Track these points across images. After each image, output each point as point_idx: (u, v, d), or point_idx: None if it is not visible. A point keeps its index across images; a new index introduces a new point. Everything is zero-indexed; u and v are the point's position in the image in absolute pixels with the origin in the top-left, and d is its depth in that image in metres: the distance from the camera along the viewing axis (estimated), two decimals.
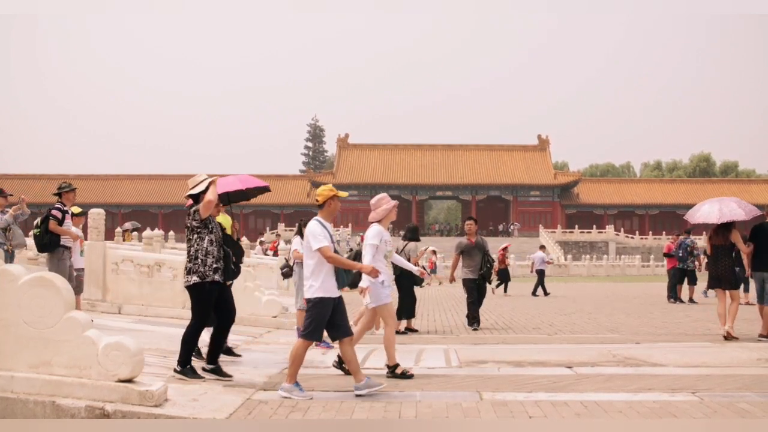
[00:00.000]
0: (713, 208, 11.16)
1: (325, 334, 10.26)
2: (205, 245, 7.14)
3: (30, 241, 14.91)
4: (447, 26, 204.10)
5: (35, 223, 10.44)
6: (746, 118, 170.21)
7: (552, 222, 78.20)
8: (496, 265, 27.50)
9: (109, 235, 16.82)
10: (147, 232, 17.07)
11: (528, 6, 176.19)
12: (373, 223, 7.81)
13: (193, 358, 7.38)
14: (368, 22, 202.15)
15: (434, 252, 36.84)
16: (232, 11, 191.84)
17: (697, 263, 19.88)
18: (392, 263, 10.46)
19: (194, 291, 7.14)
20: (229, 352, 8.80)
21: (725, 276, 11.09)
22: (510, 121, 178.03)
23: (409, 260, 12.87)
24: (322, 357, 9.22)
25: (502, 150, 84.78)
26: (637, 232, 77.03)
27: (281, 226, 71.70)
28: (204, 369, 7.31)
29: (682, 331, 12.50)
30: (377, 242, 7.59)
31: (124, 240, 20.96)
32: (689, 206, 74.51)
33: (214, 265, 7.14)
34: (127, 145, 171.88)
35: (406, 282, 12.59)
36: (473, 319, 13.05)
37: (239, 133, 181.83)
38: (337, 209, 7.01)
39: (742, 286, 18.49)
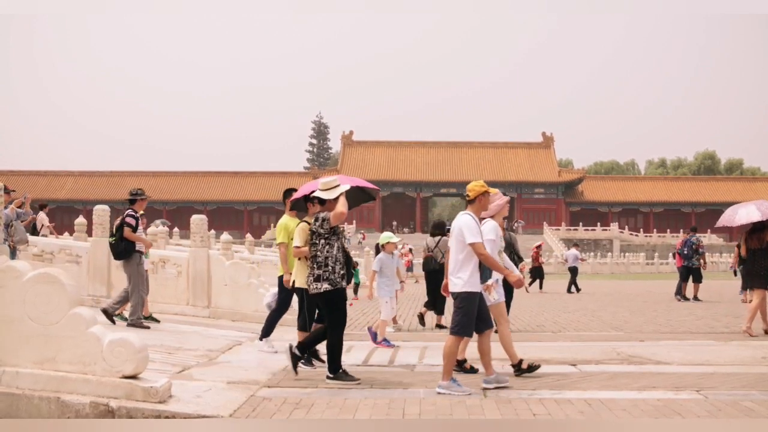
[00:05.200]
0: (751, 209, 11.39)
1: (388, 333, 10.27)
2: (334, 252, 7.17)
3: (32, 238, 14.97)
4: (451, 24, 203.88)
5: (111, 230, 10.83)
6: (751, 115, 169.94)
7: (556, 219, 78.12)
8: (528, 262, 27.38)
9: None
10: (152, 229, 17.04)
11: (532, 4, 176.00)
12: (485, 218, 7.83)
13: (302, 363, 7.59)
14: (372, 21, 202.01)
15: (410, 250, 36.88)
16: (237, 10, 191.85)
17: (702, 261, 19.81)
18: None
19: (327, 298, 7.15)
20: (316, 355, 8.30)
21: (761, 275, 11.27)
22: (514, 118, 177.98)
23: (442, 255, 12.87)
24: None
25: (506, 147, 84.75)
26: (641, 229, 76.94)
27: None
28: (294, 351, 7.31)
29: (686, 329, 12.48)
30: (494, 237, 7.61)
31: None
32: (694, 204, 74.10)
33: (342, 272, 7.20)
34: (133, 144, 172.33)
35: (437, 277, 12.71)
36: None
37: (244, 130, 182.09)
38: (488, 204, 7.17)
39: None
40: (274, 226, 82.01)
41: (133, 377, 5.59)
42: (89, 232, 15.84)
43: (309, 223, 7.64)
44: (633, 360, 8.63)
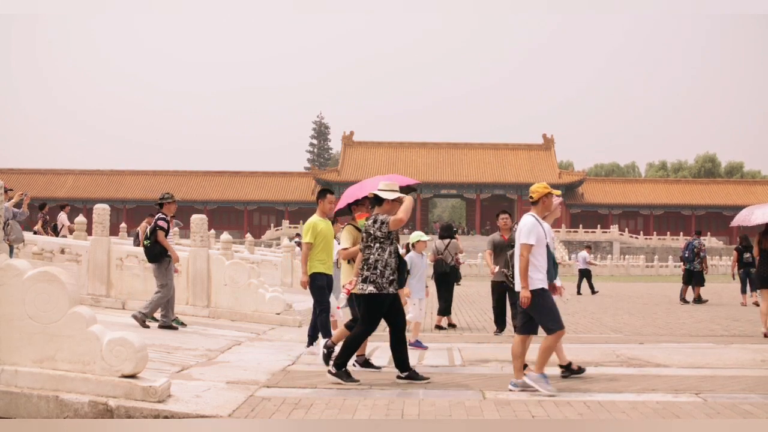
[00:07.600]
0: (765, 210, 11.48)
1: (420, 335, 10.16)
2: (386, 256, 7.11)
3: (31, 237, 14.98)
4: (452, 24, 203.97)
5: (146, 233, 11.10)
6: (752, 118, 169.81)
7: (556, 221, 78.00)
8: None
9: (114, 231, 16.84)
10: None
11: (533, 4, 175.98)
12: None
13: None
14: (373, 21, 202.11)
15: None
16: (238, 10, 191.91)
17: (703, 264, 19.78)
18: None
19: (368, 301, 7.11)
20: (367, 364, 8.07)
21: None
22: (515, 120, 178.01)
23: (452, 257, 12.85)
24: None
25: (506, 149, 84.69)
26: (641, 232, 76.91)
27: (285, 223, 71.70)
28: (399, 377, 7.21)
29: (686, 331, 12.48)
30: (548, 240, 7.57)
31: None
32: (694, 207, 74.25)
33: (391, 277, 7.12)
34: (134, 142, 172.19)
35: (448, 280, 12.70)
36: (496, 323, 12.08)
37: (244, 130, 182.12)
38: (552, 206, 7.23)
39: (748, 287, 18.50)
40: (275, 226, 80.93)
41: (133, 376, 5.59)
42: (89, 231, 15.84)
43: (356, 228, 7.60)
44: (632, 362, 8.62)
